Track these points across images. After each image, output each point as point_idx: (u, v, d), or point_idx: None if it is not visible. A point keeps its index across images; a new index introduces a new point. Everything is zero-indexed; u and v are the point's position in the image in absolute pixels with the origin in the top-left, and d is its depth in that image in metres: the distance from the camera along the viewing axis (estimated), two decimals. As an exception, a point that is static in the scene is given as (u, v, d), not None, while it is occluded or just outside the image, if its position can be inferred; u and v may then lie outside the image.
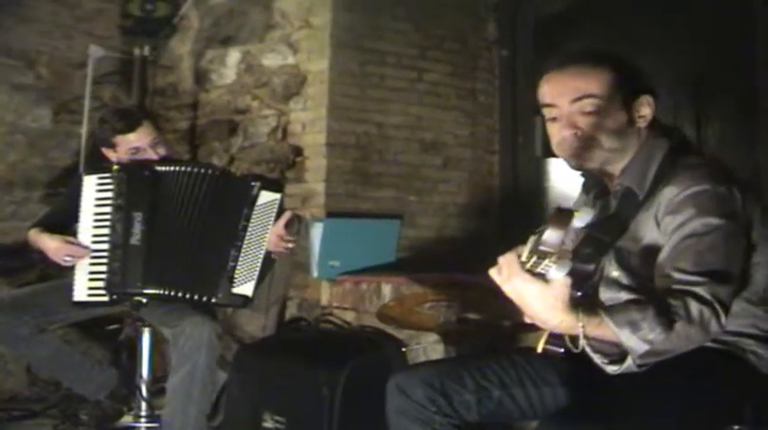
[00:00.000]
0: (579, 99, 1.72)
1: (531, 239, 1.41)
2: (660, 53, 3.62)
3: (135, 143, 2.94)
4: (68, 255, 2.82)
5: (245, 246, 2.80)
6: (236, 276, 2.79)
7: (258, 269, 2.82)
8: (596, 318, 1.48)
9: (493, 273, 1.48)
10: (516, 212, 4.31)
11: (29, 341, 2.91)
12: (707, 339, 1.53)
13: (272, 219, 2.84)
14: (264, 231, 2.83)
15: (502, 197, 4.44)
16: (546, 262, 1.38)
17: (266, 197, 2.83)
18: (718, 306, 1.50)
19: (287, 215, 2.89)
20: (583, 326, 1.47)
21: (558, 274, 1.39)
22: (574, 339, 1.53)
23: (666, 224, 1.63)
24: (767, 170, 3.39)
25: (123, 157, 2.95)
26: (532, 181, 4.31)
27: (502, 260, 1.46)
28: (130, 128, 2.94)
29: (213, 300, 2.79)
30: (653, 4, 3.76)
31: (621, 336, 1.48)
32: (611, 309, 1.52)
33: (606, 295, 1.75)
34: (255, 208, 2.81)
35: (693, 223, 1.59)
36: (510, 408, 1.81)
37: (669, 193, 1.64)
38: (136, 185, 2.81)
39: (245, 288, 2.81)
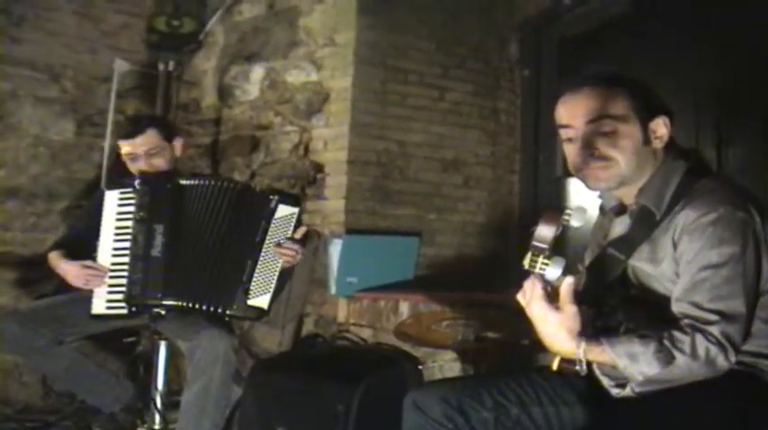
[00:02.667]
0: (595, 120, 1.73)
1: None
2: (682, 73, 3.60)
3: (130, 150, 3.01)
4: (87, 281, 2.83)
5: (261, 259, 2.79)
6: (251, 288, 2.78)
7: (274, 282, 2.82)
8: (598, 346, 1.58)
9: (519, 296, 1.62)
10: (536, 233, 4.27)
11: (46, 353, 2.91)
12: (714, 373, 1.55)
13: (290, 232, 2.84)
14: (281, 245, 2.83)
15: (521, 217, 4.40)
16: (541, 260, 1.52)
17: (284, 211, 2.83)
18: (727, 344, 1.54)
19: (302, 229, 2.90)
20: (584, 352, 1.57)
21: (555, 273, 1.53)
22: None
23: (682, 250, 1.64)
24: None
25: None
26: (552, 201, 4.27)
27: (526, 284, 1.59)
28: (130, 135, 3.02)
29: (228, 312, 2.79)
30: (676, 25, 3.73)
31: (619, 365, 1.57)
32: (614, 339, 1.59)
33: (627, 311, 1.73)
34: (273, 221, 2.81)
35: (710, 253, 1.59)
36: (528, 427, 1.80)
37: (686, 218, 1.64)
38: (158, 198, 2.82)
39: (261, 300, 2.80)
